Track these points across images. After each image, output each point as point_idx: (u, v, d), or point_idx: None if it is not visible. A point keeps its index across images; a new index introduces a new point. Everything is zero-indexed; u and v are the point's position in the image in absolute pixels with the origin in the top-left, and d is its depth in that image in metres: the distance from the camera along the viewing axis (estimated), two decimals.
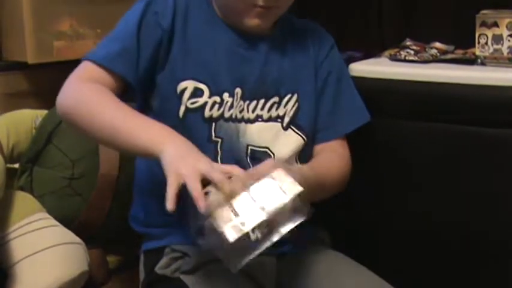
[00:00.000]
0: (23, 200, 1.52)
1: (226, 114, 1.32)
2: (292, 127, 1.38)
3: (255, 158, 1.33)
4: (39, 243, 1.42)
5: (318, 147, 1.42)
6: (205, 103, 1.31)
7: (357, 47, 1.96)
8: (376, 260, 1.39)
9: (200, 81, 1.31)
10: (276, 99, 1.37)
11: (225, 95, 1.32)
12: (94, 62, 1.28)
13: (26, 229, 1.44)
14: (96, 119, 1.21)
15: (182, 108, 1.31)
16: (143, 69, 1.29)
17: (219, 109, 1.32)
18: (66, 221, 1.52)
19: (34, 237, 1.44)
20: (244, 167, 1.28)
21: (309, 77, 1.41)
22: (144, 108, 1.33)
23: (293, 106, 1.38)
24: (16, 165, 1.62)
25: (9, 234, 1.43)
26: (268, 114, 1.36)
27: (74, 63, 1.86)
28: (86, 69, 1.29)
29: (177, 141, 1.16)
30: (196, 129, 1.30)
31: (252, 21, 1.31)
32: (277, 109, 1.37)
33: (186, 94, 1.30)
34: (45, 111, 1.66)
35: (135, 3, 1.34)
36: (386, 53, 1.70)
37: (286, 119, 1.37)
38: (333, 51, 1.45)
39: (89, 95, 1.25)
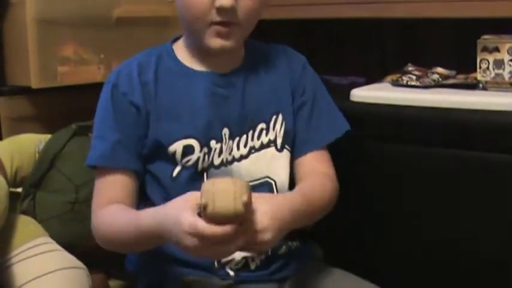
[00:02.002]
0: (25, 224, 1.52)
1: (216, 162, 1.33)
2: (286, 147, 1.38)
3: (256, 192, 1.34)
4: (42, 267, 1.41)
5: (300, 161, 1.40)
6: (198, 158, 1.31)
7: (359, 73, 1.97)
8: (367, 276, 1.38)
9: (188, 137, 1.31)
10: (262, 125, 1.37)
11: (212, 143, 1.32)
12: (97, 167, 1.32)
13: (29, 253, 1.44)
14: (127, 242, 1.26)
15: (177, 169, 1.32)
16: (140, 148, 1.32)
17: (208, 158, 1.32)
18: (69, 245, 1.51)
19: (37, 261, 1.43)
20: None
21: (287, 96, 1.40)
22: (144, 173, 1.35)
23: (281, 126, 1.38)
24: (19, 190, 1.61)
25: (11, 258, 1.43)
26: (259, 142, 1.36)
27: (77, 88, 1.89)
28: (99, 190, 1.33)
29: (161, 228, 1.16)
30: (189, 184, 1.30)
31: (215, 42, 1.29)
32: (267, 134, 1.37)
33: (178, 156, 1.31)
34: (48, 136, 1.66)
35: (103, 87, 1.37)
36: (389, 78, 1.71)
37: (279, 141, 1.37)
38: (305, 70, 1.44)
39: (110, 227, 1.29)
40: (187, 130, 1.31)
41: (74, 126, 1.65)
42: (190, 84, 1.34)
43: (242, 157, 1.35)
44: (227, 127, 1.33)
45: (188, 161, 1.31)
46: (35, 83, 1.79)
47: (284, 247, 1.37)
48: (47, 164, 1.60)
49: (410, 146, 1.52)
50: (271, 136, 1.37)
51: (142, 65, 1.35)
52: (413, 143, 1.52)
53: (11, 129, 1.82)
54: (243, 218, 1.08)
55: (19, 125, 1.84)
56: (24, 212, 1.58)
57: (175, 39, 1.42)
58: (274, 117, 1.38)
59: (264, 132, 1.37)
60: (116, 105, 1.32)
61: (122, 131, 1.31)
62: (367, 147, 1.53)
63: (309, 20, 2.04)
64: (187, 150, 1.31)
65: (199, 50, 1.35)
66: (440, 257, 1.49)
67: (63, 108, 1.91)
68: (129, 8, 1.98)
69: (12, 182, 1.58)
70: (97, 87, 1.88)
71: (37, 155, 1.63)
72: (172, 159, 1.31)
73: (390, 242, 1.56)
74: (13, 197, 1.54)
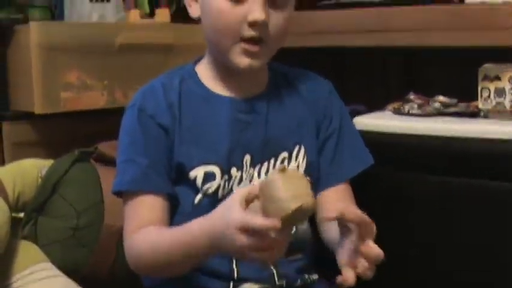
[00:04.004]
0: (27, 249, 1.51)
1: (236, 189, 1.30)
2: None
3: None
4: None
5: (322, 194, 1.38)
6: (219, 185, 1.30)
7: (360, 101, 1.97)
8: None
9: (209, 163, 1.30)
10: (285, 154, 1.35)
11: (233, 170, 1.31)
12: (127, 192, 1.31)
13: (30, 279, 1.44)
14: (172, 261, 1.23)
15: (199, 196, 1.31)
16: (170, 170, 1.31)
17: (228, 186, 1.31)
18: (70, 271, 1.51)
19: (37, 287, 1.43)
20: None
21: (311, 128, 1.39)
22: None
23: (304, 157, 1.36)
24: (21, 215, 1.61)
25: (12, 284, 1.42)
26: None
27: (80, 114, 1.90)
28: (131, 215, 1.31)
29: (211, 235, 1.15)
30: (210, 212, 1.28)
31: (243, 61, 1.27)
32: (289, 163, 1.35)
33: (199, 181, 1.30)
34: (51, 161, 1.66)
35: (127, 110, 1.35)
36: (390, 106, 1.71)
37: (301, 170, 1.35)
38: (331, 97, 1.43)
39: (151, 248, 1.26)
40: (208, 156, 1.30)
41: (76, 152, 1.65)
42: (213, 109, 1.33)
43: None
44: (249, 154, 1.32)
45: (209, 188, 1.30)
46: (38, 108, 1.80)
47: (299, 280, 1.35)
48: (49, 189, 1.60)
49: (412, 174, 1.52)
50: (293, 165, 1.35)
51: (166, 86, 1.34)
52: (414, 171, 1.52)
53: (14, 154, 1.83)
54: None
55: (22, 150, 1.84)
56: (26, 237, 1.57)
57: (197, 61, 1.41)
58: (297, 147, 1.36)
59: (286, 161, 1.35)
60: (144, 128, 1.31)
61: (152, 154, 1.30)
62: (369, 176, 1.52)
63: (312, 48, 2.05)
64: (209, 176, 1.29)
65: (224, 71, 1.34)
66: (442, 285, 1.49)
67: (66, 133, 1.92)
68: (133, 35, 1.99)
69: (14, 207, 1.57)
70: (100, 113, 1.92)
71: (39, 180, 1.63)
72: (193, 185, 1.30)
73: (390, 269, 1.56)
74: (15, 222, 1.54)
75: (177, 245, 1.21)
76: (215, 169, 1.30)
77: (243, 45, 1.26)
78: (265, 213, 1.05)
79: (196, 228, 1.17)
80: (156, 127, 1.31)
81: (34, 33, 1.78)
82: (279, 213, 1.03)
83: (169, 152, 1.31)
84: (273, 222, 1.02)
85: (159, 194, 1.29)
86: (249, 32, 1.25)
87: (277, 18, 1.27)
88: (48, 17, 2.09)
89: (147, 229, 1.27)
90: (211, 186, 1.30)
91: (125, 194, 1.32)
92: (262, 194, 1.07)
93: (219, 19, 1.27)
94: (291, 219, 1.04)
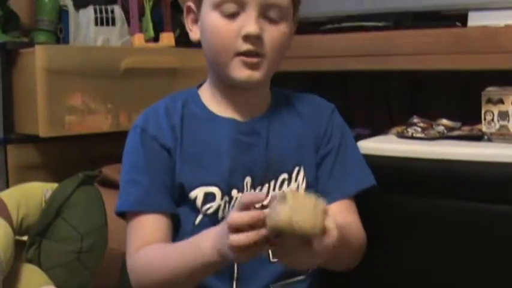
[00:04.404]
0: (30, 272, 1.52)
1: None
2: None
3: None
4: None
5: None
6: (219, 206, 1.31)
7: (364, 124, 1.98)
8: None
9: (209, 184, 1.31)
10: (285, 175, 1.36)
11: (234, 192, 1.32)
12: (130, 212, 1.32)
13: None
14: (181, 275, 1.23)
15: (199, 217, 1.31)
16: (172, 190, 1.32)
17: (228, 208, 1.32)
18: None
19: None
20: (264, 261, 1.29)
21: (310, 149, 1.39)
22: None
23: (303, 179, 1.36)
24: (25, 238, 1.61)
25: None
26: None
27: (85, 138, 1.90)
28: (134, 234, 1.32)
29: (215, 239, 1.16)
30: None
31: (242, 73, 1.29)
32: (288, 185, 1.35)
33: (199, 202, 1.31)
34: (55, 185, 1.66)
35: (130, 131, 1.37)
36: (394, 130, 1.71)
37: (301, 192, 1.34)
38: (333, 117, 1.43)
39: (157, 264, 1.26)
40: (209, 177, 1.31)
41: (80, 175, 1.65)
42: (214, 130, 1.35)
43: (263, 207, 1.33)
44: (250, 175, 1.33)
45: (209, 208, 1.30)
46: (43, 131, 1.80)
47: None
48: (53, 212, 1.60)
49: (415, 198, 1.51)
50: (293, 186, 1.35)
51: (169, 108, 1.36)
52: (418, 195, 1.51)
53: (19, 177, 1.83)
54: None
55: (26, 173, 1.84)
56: (30, 261, 1.58)
57: (200, 84, 1.43)
58: (297, 168, 1.36)
59: (286, 182, 1.35)
60: (147, 149, 1.32)
61: (155, 174, 1.31)
62: (372, 199, 1.52)
63: (315, 72, 2.06)
64: (209, 197, 1.30)
65: (225, 93, 1.36)
66: None
67: (71, 157, 1.92)
68: (138, 59, 2.00)
69: (18, 230, 1.58)
70: (104, 136, 1.92)
71: (43, 204, 1.63)
72: (193, 206, 1.31)
73: None
74: (18, 245, 1.54)
75: (183, 256, 1.21)
76: (215, 190, 1.31)
77: (241, 57, 1.29)
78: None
79: (203, 237, 1.19)
80: (158, 147, 1.32)
81: (39, 57, 1.79)
82: (272, 218, 1.05)
83: (172, 172, 1.32)
84: (249, 215, 1.06)
85: (162, 214, 1.30)
86: (245, 46, 1.28)
87: (271, 32, 1.29)
88: (53, 40, 2.10)
89: (151, 246, 1.28)
90: (211, 207, 1.31)
91: (128, 214, 1.33)
92: (270, 204, 1.08)
93: (215, 35, 1.30)
94: (280, 230, 1.04)
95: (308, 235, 1.05)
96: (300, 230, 1.04)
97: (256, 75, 1.30)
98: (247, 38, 1.27)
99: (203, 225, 1.29)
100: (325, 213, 1.07)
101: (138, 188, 1.31)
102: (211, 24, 1.30)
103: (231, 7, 1.27)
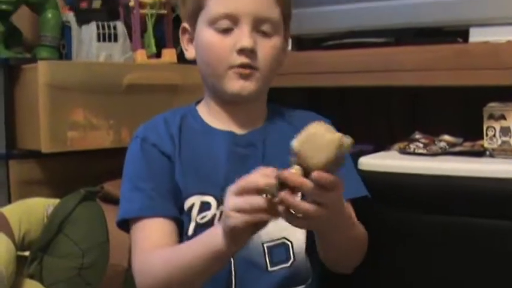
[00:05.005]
0: None
1: None
2: None
3: (273, 254, 1.33)
4: None
5: None
6: (214, 215, 1.32)
7: (366, 141, 1.98)
8: None
9: (206, 194, 1.33)
10: None
11: None
12: (135, 218, 1.32)
13: None
14: (192, 270, 1.23)
15: (192, 225, 1.33)
16: (175, 196, 1.33)
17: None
18: None
19: None
20: (261, 270, 1.30)
21: None
22: None
23: None
24: (26, 253, 1.61)
25: None
26: None
27: (87, 154, 1.90)
28: (140, 238, 1.32)
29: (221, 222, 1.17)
30: None
31: (235, 84, 1.33)
32: None
33: (194, 210, 1.33)
34: (57, 200, 1.66)
35: (130, 143, 1.40)
36: (396, 146, 1.71)
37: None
38: None
39: (168, 262, 1.27)
40: (205, 186, 1.33)
41: (82, 191, 1.65)
42: (211, 143, 1.37)
43: None
44: None
45: (204, 217, 1.32)
46: (45, 147, 1.80)
47: None
48: (55, 228, 1.60)
49: (418, 214, 1.51)
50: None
51: (168, 121, 1.40)
52: (421, 211, 1.51)
53: (20, 192, 1.83)
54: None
55: (28, 189, 1.84)
56: (31, 276, 1.57)
57: (199, 101, 1.46)
58: None
59: None
60: (147, 156, 1.35)
61: (157, 180, 1.33)
62: (374, 215, 1.52)
63: (316, 88, 2.06)
64: (204, 206, 1.32)
65: (221, 106, 1.39)
66: None
67: (73, 172, 1.92)
68: (140, 75, 2.00)
69: (20, 246, 1.58)
70: (106, 152, 1.92)
71: (45, 219, 1.63)
72: (187, 215, 1.32)
73: None
74: (20, 261, 1.54)
75: (192, 247, 1.23)
76: (211, 199, 1.33)
77: (235, 69, 1.33)
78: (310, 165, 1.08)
79: (212, 228, 1.21)
80: (159, 154, 1.36)
81: (42, 72, 1.79)
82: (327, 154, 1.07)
83: (173, 178, 1.34)
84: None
85: (167, 218, 1.32)
86: (239, 59, 1.32)
87: (264, 46, 1.34)
88: (56, 56, 2.11)
89: (159, 248, 1.29)
90: (206, 216, 1.32)
91: (132, 222, 1.33)
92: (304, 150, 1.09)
93: (210, 51, 1.35)
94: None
95: (326, 146, 1.08)
96: (308, 156, 1.07)
97: (249, 86, 1.34)
98: (241, 51, 1.31)
99: (197, 235, 1.29)
100: (340, 148, 1.08)
101: (141, 194, 1.32)
102: (206, 41, 1.35)
103: (225, 23, 1.32)
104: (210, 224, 1.31)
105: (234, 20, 1.32)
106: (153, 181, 1.33)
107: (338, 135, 1.09)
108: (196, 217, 1.32)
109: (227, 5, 1.32)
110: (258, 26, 1.33)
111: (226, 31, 1.33)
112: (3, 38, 1.98)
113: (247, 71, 1.33)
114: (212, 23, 1.33)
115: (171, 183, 1.34)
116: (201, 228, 1.31)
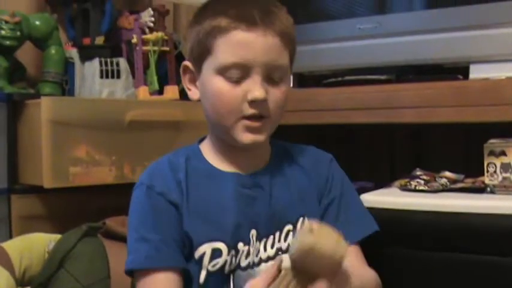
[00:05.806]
0: None
1: (243, 263, 1.31)
2: None
3: None
4: None
5: None
6: (225, 262, 1.30)
7: (368, 177, 1.98)
8: None
9: (216, 240, 1.30)
10: (289, 226, 1.36)
11: (240, 245, 1.31)
12: (141, 269, 1.30)
13: None
14: None
15: (203, 273, 1.30)
16: (182, 245, 1.31)
17: (235, 261, 1.31)
18: None
19: None
20: None
21: (313, 200, 1.40)
22: None
23: None
24: None
25: None
26: (287, 244, 1.34)
27: (89, 189, 1.90)
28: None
29: None
30: (215, 287, 1.30)
31: (247, 137, 1.31)
32: (293, 236, 1.35)
33: (206, 258, 1.30)
34: (58, 236, 1.66)
35: (135, 190, 1.36)
36: (397, 183, 1.71)
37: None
38: (332, 167, 1.44)
39: None
40: (215, 232, 1.30)
41: (84, 226, 1.65)
42: (218, 186, 1.35)
43: (269, 258, 1.33)
44: (255, 228, 1.33)
45: (215, 264, 1.30)
46: (47, 182, 1.81)
47: None
48: (55, 264, 1.59)
49: (419, 251, 1.51)
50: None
51: (173, 164, 1.36)
52: (421, 247, 1.51)
53: (22, 227, 1.82)
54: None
55: (30, 224, 1.84)
56: None
57: (201, 140, 1.44)
58: (301, 219, 1.37)
59: (291, 233, 1.35)
60: (154, 206, 1.31)
61: (164, 229, 1.30)
62: (376, 252, 1.52)
63: (317, 126, 2.07)
64: (215, 254, 1.30)
65: (226, 148, 1.37)
66: None
67: (74, 208, 1.92)
68: (142, 112, 2.01)
69: (21, 281, 1.57)
70: (108, 188, 1.92)
71: (46, 255, 1.63)
72: (198, 263, 1.30)
73: None
74: None
75: None
76: (222, 246, 1.30)
77: (245, 122, 1.30)
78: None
79: None
80: (166, 204, 1.32)
81: (45, 108, 1.80)
82: (296, 243, 1.09)
83: (180, 227, 1.31)
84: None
85: (173, 270, 1.29)
86: (250, 110, 1.29)
87: (275, 94, 1.31)
88: (59, 92, 2.11)
89: None
90: (218, 263, 1.30)
91: (137, 273, 1.31)
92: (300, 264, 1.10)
93: (220, 100, 1.30)
94: (303, 253, 1.08)
95: (329, 259, 1.08)
96: (322, 253, 1.07)
97: (260, 138, 1.32)
98: (253, 102, 1.28)
99: (209, 284, 1.29)
100: (345, 248, 1.10)
101: (148, 245, 1.29)
102: (216, 89, 1.31)
103: (236, 73, 1.28)
104: (221, 270, 1.30)
105: (245, 69, 1.28)
106: (160, 231, 1.30)
107: (340, 254, 1.10)
108: (207, 265, 1.30)
109: (237, 54, 1.28)
110: (269, 74, 1.29)
111: (236, 80, 1.29)
112: (7, 74, 2.00)
113: (257, 124, 1.30)
114: (222, 71, 1.29)
115: (178, 232, 1.31)
116: (212, 275, 1.30)
